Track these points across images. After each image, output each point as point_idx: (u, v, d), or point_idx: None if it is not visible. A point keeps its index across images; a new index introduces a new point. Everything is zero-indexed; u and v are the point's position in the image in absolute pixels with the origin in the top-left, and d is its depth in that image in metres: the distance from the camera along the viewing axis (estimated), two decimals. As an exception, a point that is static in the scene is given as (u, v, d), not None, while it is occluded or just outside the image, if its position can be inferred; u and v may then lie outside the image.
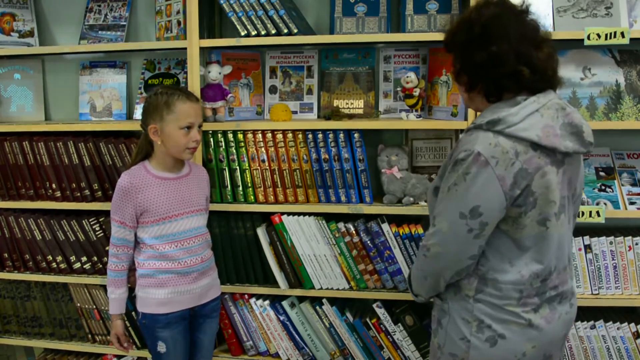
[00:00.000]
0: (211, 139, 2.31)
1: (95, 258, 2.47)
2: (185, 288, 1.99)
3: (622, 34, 2.00)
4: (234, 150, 2.30)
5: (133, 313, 2.34)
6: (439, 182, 1.51)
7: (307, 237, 2.27)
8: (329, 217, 2.27)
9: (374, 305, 2.27)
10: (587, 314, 2.20)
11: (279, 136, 2.27)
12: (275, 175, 2.29)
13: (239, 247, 2.34)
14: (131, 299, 2.09)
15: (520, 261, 1.44)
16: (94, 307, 2.52)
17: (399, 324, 2.25)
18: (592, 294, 2.17)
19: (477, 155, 1.36)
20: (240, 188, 2.33)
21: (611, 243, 2.16)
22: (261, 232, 2.30)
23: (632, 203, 2.15)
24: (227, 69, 2.32)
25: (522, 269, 1.44)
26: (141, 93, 2.58)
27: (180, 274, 1.98)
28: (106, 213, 2.24)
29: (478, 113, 2.08)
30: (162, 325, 1.99)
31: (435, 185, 1.54)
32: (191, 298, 2.02)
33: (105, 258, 2.41)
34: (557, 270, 1.49)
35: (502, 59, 1.39)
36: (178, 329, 2.01)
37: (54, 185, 2.45)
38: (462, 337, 1.48)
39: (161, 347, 1.99)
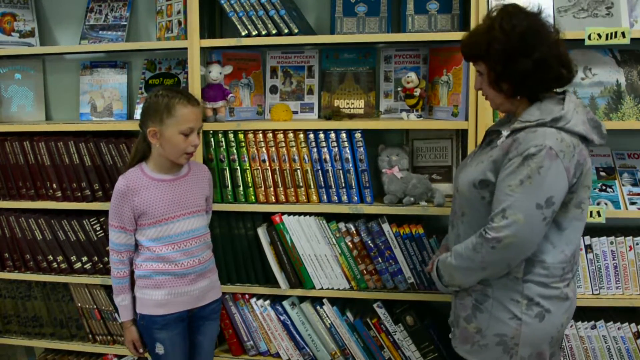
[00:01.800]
0: (212, 139, 2.31)
1: (95, 258, 2.48)
2: (183, 290, 1.98)
3: (623, 34, 2.00)
4: (235, 150, 2.30)
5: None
6: (490, 175, 1.57)
7: (308, 237, 2.27)
8: (330, 217, 2.27)
9: (375, 305, 2.27)
10: (587, 314, 2.20)
11: (280, 136, 2.27)
12: (275, 175, 2.29)
13: (240, 247, 2.34)
14: None
15: (560, 242, 1.57)
16: (95, 307, 2.52)
17: (400, 324, 2.25)
18: (592, 294, 2.17)
19: (549, 149, 1.47)
20: (241, 188, 2.33)
21: (612, 243, 2.16)
22: (262, 232, 2.30)
23: (632, 203, 2.15)
24: (228, 69, 2.32)
25: (565, 248, 1.57)
26: (142, 93, 2.58)
27: (177, 276, 1.96)
28: (107, 213, 2.22)
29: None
30: (159, 326, 1.97)
31: (482, 178, 1.59)
32: (189, 300, 2.00)
33: (106, 258, 2.41)
34: (578, 246, 1.65)
35: (547, 65, 1.53)
36: (176, 330, 1.99)
37: (54, 185, 2.45)
38: (512, 317, 1.57)
39: (159, 349, 1.98)
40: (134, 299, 2.02)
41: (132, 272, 2.02)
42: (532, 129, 1.52)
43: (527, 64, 1.52)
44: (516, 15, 1.55)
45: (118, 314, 2.07)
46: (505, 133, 1.58)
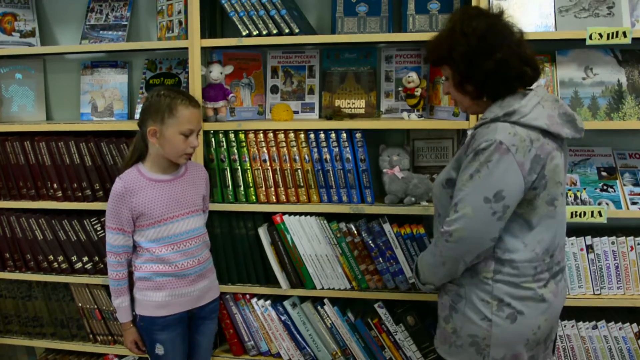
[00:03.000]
0: (212, 139, 2.31)
1: (96, 258, 2.47)
2: (183, 290, 1.98)
3: (624, 34, 2.00)
4: (236, 150, 2.30)
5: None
6: (453, 174, 1.60)
7: (309, 237, 2.27)
8: (331, 217, 2.27)
9: (376, 306, 2.26)
10: (589, 314, 2.20)
11: (281, 136, 2.27)
12: (276, 175, 2.29)
13: (241, 247, 2.34)
14: None
15: (532, 240, 1.55)
16: (95, 307, 2.52)
17: (401, 324, 2.25)
18: (593, 294, 2.17)
19: (499, 144, 1.47)
20: (242, 188, 2.32)
21: (613, 243, 2.15)
22: (262, 232, 2.30)
23: (634, 203, 2.15)
24: (229, 69, 2.32)
25: (536, 247, 1.55)
26: (142, 93, 2.58)
27: (177, 277, 1.96)
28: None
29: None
30: (160, 327, 1.97)
31: (447, 177, 1.62)
32: (189, 300, 2.00)
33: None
34: (560, 247, 1.62)
35: (509, 64, 1.53)
36: (176, 331, 1.99)
37: (55, 185, 2.45)
38: (483, 317, 1.56)
39: (159, 350, 1.98)
40: (132, 299, 2.02)
41: (130, 274, 2.01)
42: (486, 124, 1.53)
43: (489, 64, 1.52)
44: (476, 18, 1.57)
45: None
46: (469, 132, 1.60)
